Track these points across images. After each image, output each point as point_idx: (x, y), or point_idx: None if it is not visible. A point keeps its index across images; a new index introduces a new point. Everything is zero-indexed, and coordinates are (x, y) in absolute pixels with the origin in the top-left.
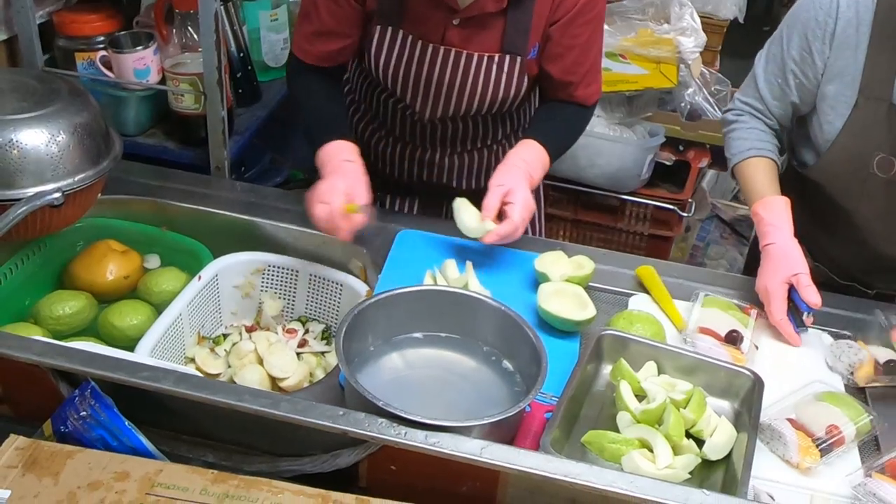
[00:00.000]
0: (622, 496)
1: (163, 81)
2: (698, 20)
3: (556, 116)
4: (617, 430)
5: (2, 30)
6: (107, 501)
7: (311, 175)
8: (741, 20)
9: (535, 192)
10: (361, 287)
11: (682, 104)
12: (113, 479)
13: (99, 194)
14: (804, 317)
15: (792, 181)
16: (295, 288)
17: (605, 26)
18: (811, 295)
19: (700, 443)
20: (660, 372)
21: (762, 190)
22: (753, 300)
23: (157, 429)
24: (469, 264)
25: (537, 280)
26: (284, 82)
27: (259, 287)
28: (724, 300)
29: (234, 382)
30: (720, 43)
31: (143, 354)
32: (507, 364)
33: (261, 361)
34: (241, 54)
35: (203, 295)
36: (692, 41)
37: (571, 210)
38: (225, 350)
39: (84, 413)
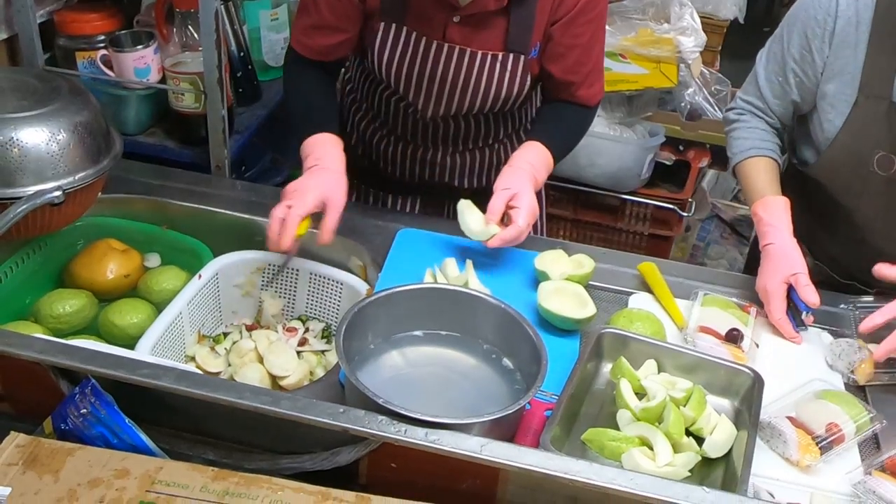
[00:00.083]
0: (623, 493)
1: (163, 80)
2: (698, 20)
3: (559, 118)
4: (617, 428)
5: (2, 29)
6: (107, 499)
7: None
8: (741, 20)
9: (538, 192)
10: (362, 286)
11: (683, 104)
12: (113, 477)
13: (99, 193)
14: (803, 316)
15: (792, 179)
16: (295, 287)
17: (606, 26)
18: (809, 294)
19: (700, 441)
20: (660, 370)
21: (762, 190)
22: (753, 299)
23: (158, 426)
24: (469, 263)
25: (537, 279)
26: (283, 82)
27: (259, 286)
28: (723, 299)
29: (235, 381)
30: (720, 43)
31: (143, 353)
32: (507, 362)
33: (261, 360)
34: (242, 53)
35: (203, 294)
36: (692, 41)
37: (571, 210)
38: (225, 349)
39: (84, 410)
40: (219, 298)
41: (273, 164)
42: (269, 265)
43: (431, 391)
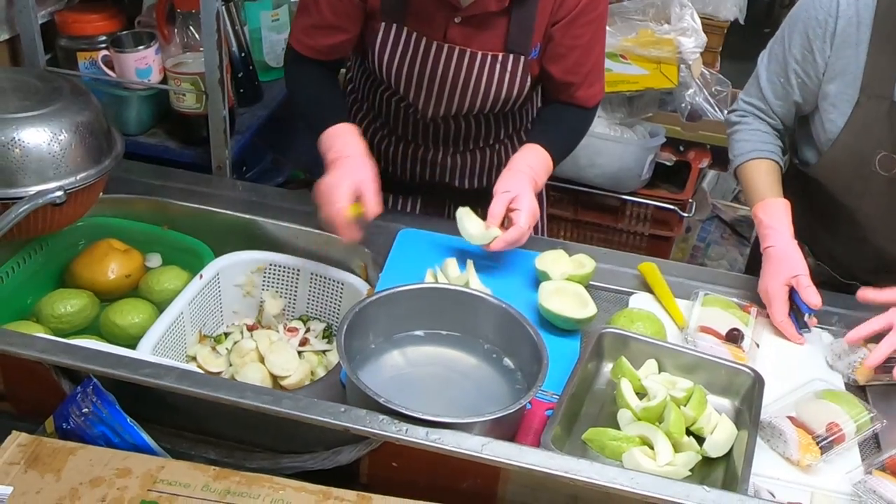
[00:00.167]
0: (623, 493)
1: (164, 81)
2: (699, 21)
3: (558, 119)
4: (618, 428)
5: (4, 29)
6: (109, 498)
7: (312, 175)
8: (741, 21)
9: (538, 193)
10: (362, 286)
11: (683, 105)
12: (115, 476)
13: (100, 193)
14: (806, 318)
15: (794, 180)
16: (296, 287)
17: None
18: (811, 296)
19: (700, 440)
20: (660, 370)
21: (763, 192)
22: (753, 299)
23: (159, 426)
24: (470, 263)
25: (538, 279)
26: (285, 82)
27: (260, 286)
28: (724, 299)
29: (236, 380)
30: (720, 44)
31: (144, 353)
32: (507, 362)
33: (262, 360)
34: (243, 54)
35: (204, 294)
36: (692, 42)
37: (572, 210)
38: (226, 349)
39: (86, 410)
40: (220, 298)
41: (274, 164)
42: (271, 265)
43: (432, 391)
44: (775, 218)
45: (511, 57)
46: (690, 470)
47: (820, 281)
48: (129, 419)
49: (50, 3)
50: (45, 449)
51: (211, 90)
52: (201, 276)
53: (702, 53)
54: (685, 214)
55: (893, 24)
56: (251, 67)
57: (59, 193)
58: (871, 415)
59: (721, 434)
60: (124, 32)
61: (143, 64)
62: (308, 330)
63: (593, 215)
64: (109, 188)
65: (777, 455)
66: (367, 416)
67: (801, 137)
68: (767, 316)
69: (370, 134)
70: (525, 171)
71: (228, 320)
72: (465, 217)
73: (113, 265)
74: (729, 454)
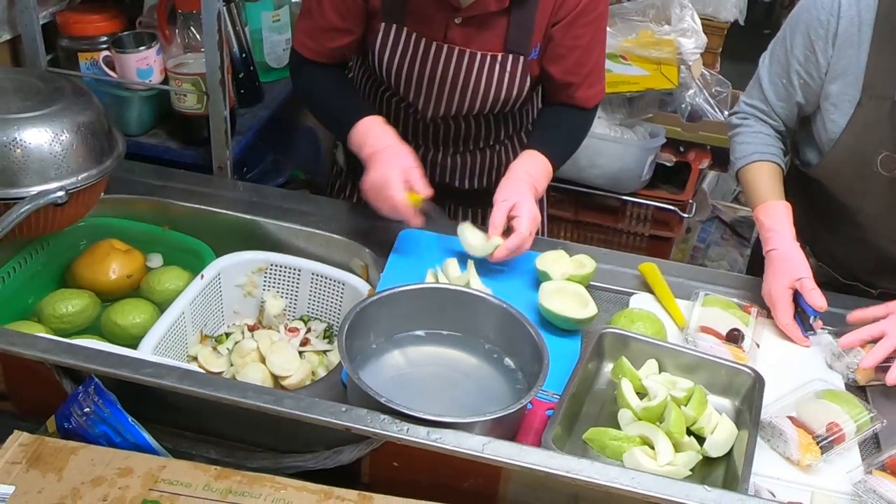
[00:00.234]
0: (624, 492)
1: (165, 81)
2: (699, 22)
3: (558, 123)
4: (618, 428)
5: (5, 30)
6: (110, 497)
7: (313, 175)
8: (741, 22)
9: (539, 198)
10: (363, 286)
11: (683, 105)
12: (116, 475)
13: (102, 194)
14: (811, 321)
15: (795, 180)
16: (297, 287)
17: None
18: (816, 298)
19: (701, 440)
20: (661, 370)
21: (764, 195)
22: (754, 299)
23: (161, 425)
24: (471, 263)
25: (538, 279)
26: (287, 83)
27: (261, 286)
28: (724, 299)
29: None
30: (721, 45)
31: (145, 353)
32: (508, 361)
33: (263, 360)
34: (244, 55)
35: (205, 294)
36: (693, 42)
37: (572, 211)
38: (227, 349)
39: (88, 409)
40: (221, 298)
41: (274, 164)
42: (272, 265)
43: (433, 391)
44: (777, 221)
45: (510, 57)
46: (691, 470)
47: (820, 281)
48: (130, 419)
49: (51, 4)
50: (46, 448)
51: (212, 91)
52: (202, 277)
53: (702, 54)
54: (685, 215)
55: (894, 24)
56: (252, 68)
57: (60, 194)
58: (872, 415)
59: (721, 434)
60: (125, 33)
61: (144, 64)
62: (309, 330)
63: (593, 216)
64: (111, 188)
65: (777, 455)
66: (368, 416)
67: (803, 138)
68: (767, 316)
69: None
70: (523, 179)
71: (229, 320)
72: (467, 230)
73: (114, 265)
74: (729, 454)
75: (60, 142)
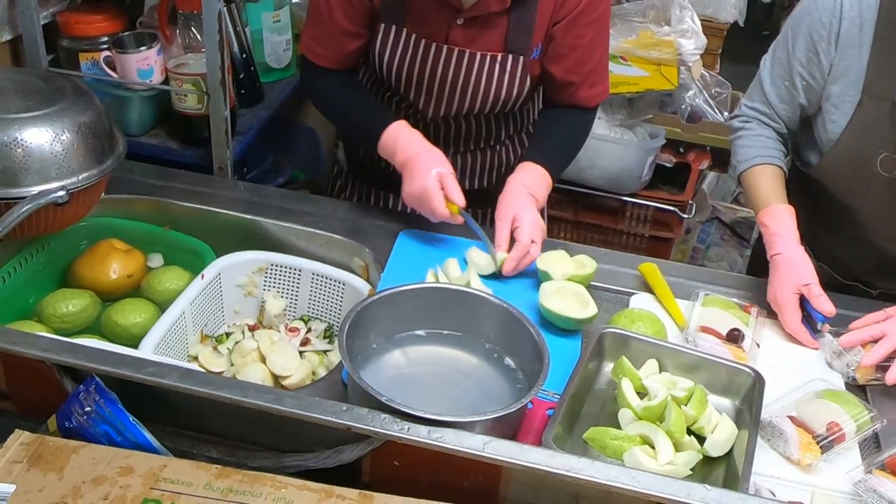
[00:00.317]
0: (625, 491)
1: (166, 82)
2: (699, 23)
3: (556, 129)
4: (619, 428)
5: (6, 30)
6: (111, 496)
7: (313, 176)
8: (741, 24)
9: (541, 207)
10: (364, 286)
11: (683, 106)
12: (117, 474)
13: (102, 193)
14: (819, 326)
15: (795, 181)
16: (297, 287)
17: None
18: (824, 304)
19: (701, 440)
20: (661, 370)
21: (767, 199)
22: (754, 299)
23: (162, 424)
24: (471, 263)
25: (539, 279)
26: (287, 83)
27: (261, 286)
28: (724, 299)
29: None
30: (720, 46)
31: (146, 353)
32: (509, 361)
33: (263, 360)
34: (244, 55)
35: (206, 294)
36: (692, 43)
37: (572, 211)
38: (228, 348)
39: (89, 409)
40: (221, 298)
41: (274, 165)
42: (272, 265)
43: (433, 390)
44: (781, 225)
45: (511, 57)
46: (691, 469)
47: (821, 281)
48: (131, 418)
49: (52, 4)
50: (47, 447)
51: (212, 91)
52: (203, 277)
53: (702, 55)
54: (685, 216)
55: (895, 25)
56: (252, 68)
57: (61, 193)
58: (872, 414)
59: (722, 433)
60: (126, 33)
61: (144, 65)
62: (309, 330)
63: (593, 216)
64: (111, 188)
65: (778, 454)
66: (368, 415)
67: (803, 138)
68: (767, 316)
69: None
70: (520, 192)
71: (230, 320)
72: (473, 253)
73: (115, 265)
74: (730, 454)
75: (61, 141)
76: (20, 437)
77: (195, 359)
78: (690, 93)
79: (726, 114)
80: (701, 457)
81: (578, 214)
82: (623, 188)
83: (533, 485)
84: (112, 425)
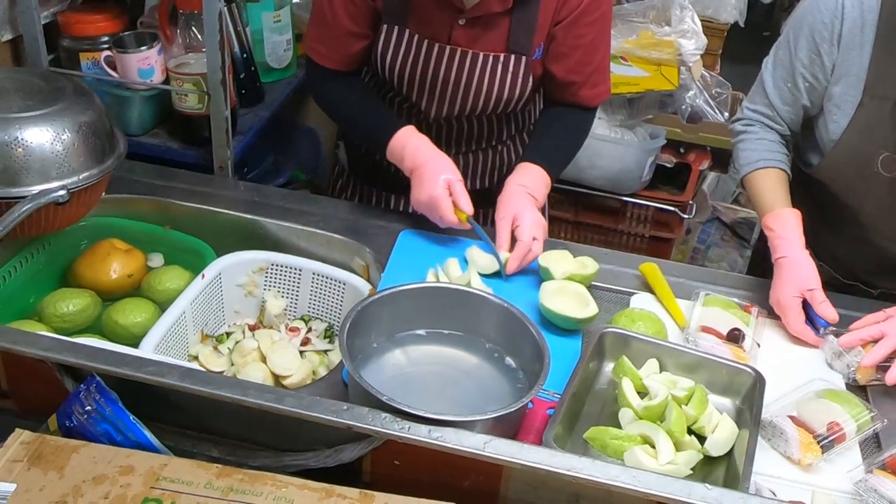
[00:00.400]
0: (626, 490)
1: (167, 81)
2: (699, 23)
3: (555, 129)
4: (619, 427)
5: (7, 30)
6: (112, 495)
7: (313, 176)
8: (741, 24)
9: (541, 207)
10: (364, 286)
11: (683, 107)
12: (118, 473)
13: (103, 193)
14: (821, 332)
15: (796, 181)
16: (298, 287)
17: None
18: (827, 311)
19: (702, 439)
20: (661, 369)
21: (772, 202)
22: (754, 299)
23: (162, 424)
24: (472, 262)
25: (540, 279)
26: (287, 83)
27: (262, 286)
28: (724, 299)
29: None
30: (721, 46)
31: (147, 352)
32: (509, 361)
33: (264, 359)
34: (245, 55)
35: (206, 293)
36: (693, 43)
37: (572, 212)
38: (228, 348)
39: (89, 408)
40: (221, 298)
41: (275, 165)
42: (272, 265)
43: (434, 389)
44: (787, 229)
45: (513, 57)
46: (692, 469)
47: (822, 282)
48: (132, 417)
49: (53, 4)
50: (48, 446)
51: (213, 91)
52: (203, 276)
53: (702, 56)
54: (685, 216)
55: None
56: (253, 68)
57: (61, 193)
58: (872, 414)
59: (722, 433)
60: (127, 33)
61: (145, 64)
62: (310, 330)
63: (593, 217)
64: (112, 188)
65: (778, 454)
66: (369, 415)
67: (804, 139)
68: (768, 316)
69: None
70: (519, 192)
71: (230, 320)
72: (474, 253)
73: (115, 265)
74: (730, 453)
75: (62, 141)
76: (21, 436)
77: (195, 358)
78: (691, 93)
79: (727, 114)
80: (701, 456)
81: (579, 215)
82: (623, 188)
83: (533, 484)
84: (112, 424)
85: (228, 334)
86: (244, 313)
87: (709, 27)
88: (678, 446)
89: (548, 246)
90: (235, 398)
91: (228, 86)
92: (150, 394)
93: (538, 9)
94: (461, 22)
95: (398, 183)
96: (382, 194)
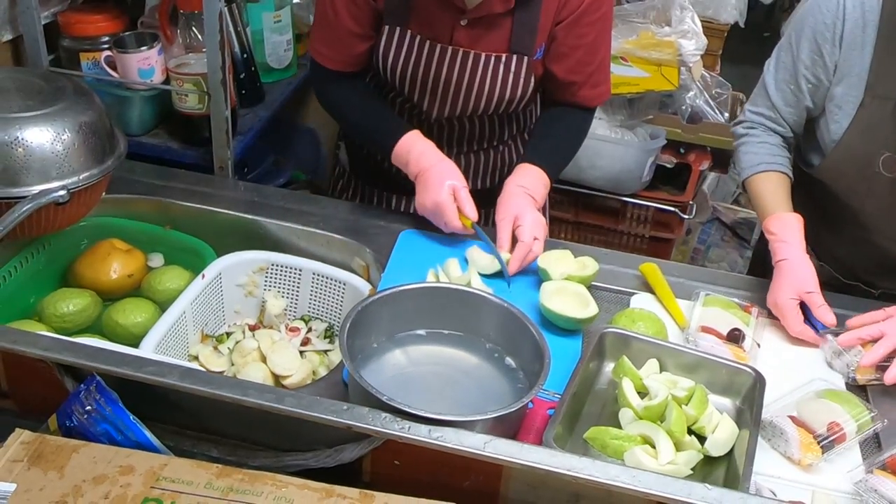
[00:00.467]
0: (626, 490)
1: (167, 81)
2: (699, 24)
3: (554, 130)
4: (619, 427)
5: (7, 30)
6: (112, 495)
7: (313, 176)
8: (742, 25)
9: (541, 207)
10: (364, 286)
11: (683, 107)
12: (118, 473)
13: (103, 193)
14: (820, 331)
15: (798, 181)
16: (298, 287)
17: None
18: (826, 315)
19: (702, 439)
20: (662, 369)
21: (774, 206)
22: (754, 299)
23: (162, 424)
24: (472, 262)
25: (540, 279)
26: (288, 84)
27: (262, 286)
28: (724, 299)
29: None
30: (721, 47)
31: (146, 352)
32: (509, 361)
33: (264, 359)
34: (245, 55)
35: (206, 293)
36: (693, 44)
37: (572, 212)
38: (228, 348)
39: (89, 408)
40: (222, 298)
41: (275, 165)
42: (273, 265)
43: (434, 389)
44: (788, 232)
45: (514, 58)
46: (692, 469)
47: (821, 281)
48: (132, 417)
49: (53, 4)
50: (48, 446)
51: (213, 91)
52: (203, 276)
53: (702, 56)
54: (685, 216)
55: None
56: (253, 69)
57: (62, 193)
58: (872, 414)
59: (722, 433)
60: (127, 33)
61: (145, 64)
62: (310, 330)
63: (594, 217)
64: (112, 188)
65: (778, 454)
66: (369, 414)
67: (806, 139)
68: (768, 316)
69: None
70: (518, 193)
71: (230, 320)
72: (474, 253)
73: (115, 265)
74: (730, 453)
75: (62, 141)
76: (21, 436)
77: (196, 358)
78: (691, 93)
79: (727, 114)
80: (701, 456)
81: (579, 215)
82: (623, 189)
83: (533, 484)
84: (113, 424)
85: (228, 334)
86: (244, 313)
87: (709, 28)
88: (678, 446)
89: (548, 246)
90: (235, 398)
91: (229, 86)
92: (150, 394)
93: (540, 9)
94: (463, 22)
95: (399, 183)
96: (383, 195)
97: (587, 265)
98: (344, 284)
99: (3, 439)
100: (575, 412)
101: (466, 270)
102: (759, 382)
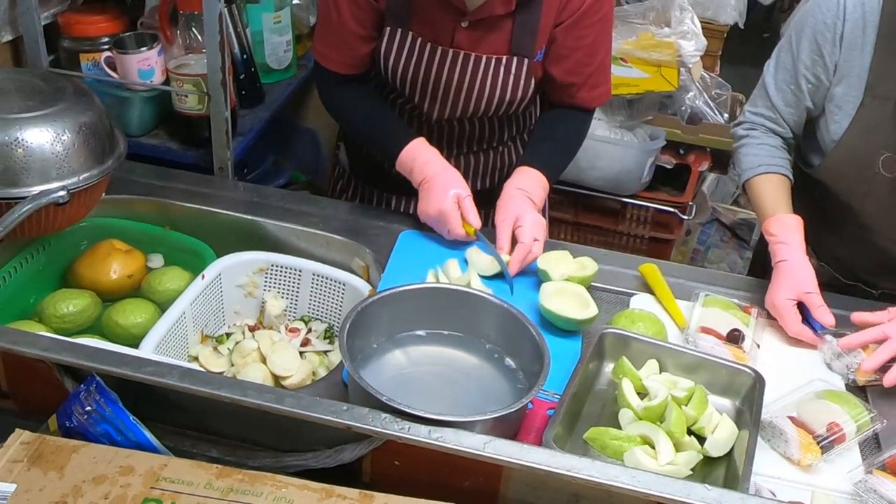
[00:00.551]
0: (625, 491)
1: (167, 82)
2: (699, 25)
3: (554, 132)
4: (619, 428)
5: (7, 30)
6: (112, 495)
7: (313, 177)
8: (741, 26)
9: (541, 209)
10: (364, 286)
11: (683, 108)
12: (118, 474)
13: (103, 194)
14: (819, 333)
15: (798, 181)
16: (298, 287)
17: None
18: (825, 315)
19: (702, 440)
20: (661, 370)
21: (773, 207)
22: (753, 300)
23: (162, 424)
24: (472, 263)
25: (539, 279)
26: (287, 84)
27: (262, 286)
28: (724, 300)
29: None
30: (720, 48)
31: (146, 352)
32: (509, 361)
33: (264, 360)
34: (245, 56)
35: (206, 294)
36: (693, 45)
37: (572, 213)
38: (228, 349)
39: (89, 408)
40: (221, 299)
41: (275, 166)
42: (272, 265)
43: (434, 390)
44: (788, 233)
45: (515, 60)
46: (692, 469)
47: (822, 282)
48: (132, 417)
49: (53, 5)
50: (48, 447)
51: (213, 92)
52: (203, 277)
53: (702, 57)
54: (685, 217)
55: None
56: (253, 69)
57: (61, 193)
58: (872, 415)
59: (722, 433)
60: (127, 34)
61: (145, 65)
62: (309, 330)
63: (593, 218)
64: (112, 189)
65: (778, 455)
66: (369, 415)
67: (806, 139)
68: (768, 317)
69: None
70: (517, 195)
71: (230, 321)
72: (473, 254)
73: (115, 265)
74: (730, 454)
75: (62, 142)
76: (21, 437)
77: (195, 359)
78: (690, 94)
79: (726, 115)
80: (701, 457)
81: (578, 216)
82: (623, 189)
83: (533, 484)
84: (112, 425)
85: (228, 335)
86: (244, 314)
87: (708, 28)
88: (678, 447)
89: (547, 247)
90: (235, 398)
91: (228, 87)
92: (150, 394)
93: (540, 11)
94: (464, 24)
95: (399, 184)
96: (383, 195)
97: (587, 266)
98: (344, 285)
99: (3, 439)
100: (575, 413)
101: (466, 271)
102: (758, 383)
